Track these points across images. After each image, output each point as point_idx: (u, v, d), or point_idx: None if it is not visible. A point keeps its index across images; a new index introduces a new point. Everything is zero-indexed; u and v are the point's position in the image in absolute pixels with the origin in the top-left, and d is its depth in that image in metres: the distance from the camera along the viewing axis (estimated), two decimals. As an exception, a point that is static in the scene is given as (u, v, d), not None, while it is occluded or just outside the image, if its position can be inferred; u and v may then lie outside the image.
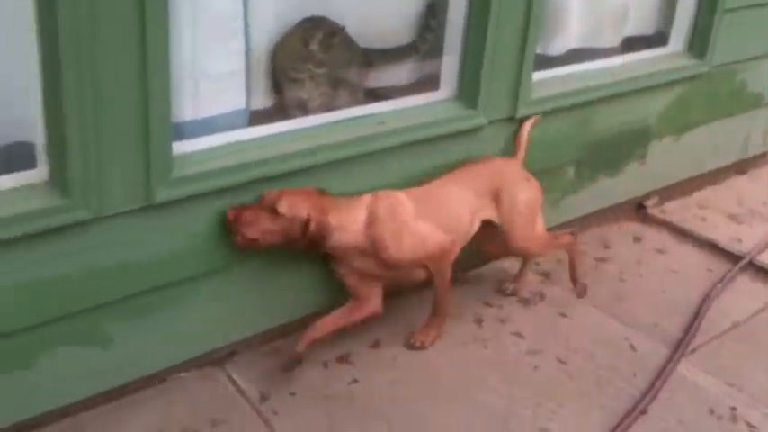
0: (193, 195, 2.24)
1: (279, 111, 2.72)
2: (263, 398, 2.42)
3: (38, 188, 2.04)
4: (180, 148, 2.23)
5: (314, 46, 2.67)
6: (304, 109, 2.70)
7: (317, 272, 2.63)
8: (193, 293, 2.38)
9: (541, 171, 3.15)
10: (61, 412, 2.26)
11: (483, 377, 2.59)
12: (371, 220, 2.45)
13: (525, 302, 3.01)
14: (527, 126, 2.99)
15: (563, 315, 2.96)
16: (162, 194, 2.16)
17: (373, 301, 2.57)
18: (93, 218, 2.07)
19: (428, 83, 2.96)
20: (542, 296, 3.05)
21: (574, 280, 3.08)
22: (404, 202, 2.53)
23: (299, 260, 2.56)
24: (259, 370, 2.51)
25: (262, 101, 2.69)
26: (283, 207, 2.32)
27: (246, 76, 2.55)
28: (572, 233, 3.04)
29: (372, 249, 2.46)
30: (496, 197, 2.73)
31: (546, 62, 3.18)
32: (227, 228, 2.31)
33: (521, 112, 2.96)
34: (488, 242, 2.83)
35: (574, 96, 3.15)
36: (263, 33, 2.62)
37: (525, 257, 3.05)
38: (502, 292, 3.04)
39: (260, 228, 2.31)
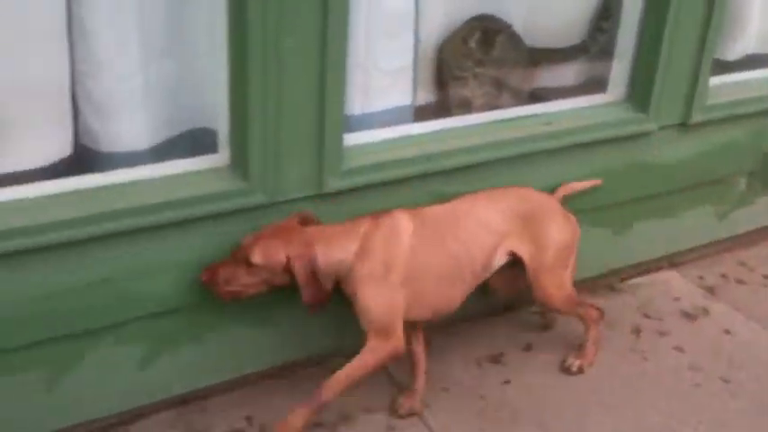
0: (359, 187, 2.29)
1: (442, 107, 2.73)
2: (416, 390, 2.44)
3: (220, 172, 2.14)
4: (350, 140, 2.28)
5: (472, 44, 2.66)
6: (467, 107, 2.70)
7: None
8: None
9: (710, 182, 3.01)
10: (228, 385, 2.38)
11: (641, 390, 2.51)
12: (362, 250, 2.13)
13: (687, 317, 2.88)
14: (580, 186, 2.65)
15: (727, 332, 2.82)
16: (332, 184, 2.23)
17: (394, 337, 2.15)
18: (269, 202, 2.16)
19: (594, 85, 2.89)
20: (706, 311, 2.91)
21: (584, 356, 2.56)
22: (402, 233, 2.18)
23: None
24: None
25: (426, 97, 2.72)
26: (257, 257, 2.05)
27: (414, 72, 2.59)
28: (598, 309, 2.56)
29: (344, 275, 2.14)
30: (528, 228, 2.36)
31: (722, 67, 3.04)
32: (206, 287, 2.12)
33: (694, 119, 2.83)
34: (499, 277, 2.40)
35: (751, 104, 3.00)
36: (432, 30, 2.65)
37: (544, 309, 2.55)
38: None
39: (239, 283, 2.09)
